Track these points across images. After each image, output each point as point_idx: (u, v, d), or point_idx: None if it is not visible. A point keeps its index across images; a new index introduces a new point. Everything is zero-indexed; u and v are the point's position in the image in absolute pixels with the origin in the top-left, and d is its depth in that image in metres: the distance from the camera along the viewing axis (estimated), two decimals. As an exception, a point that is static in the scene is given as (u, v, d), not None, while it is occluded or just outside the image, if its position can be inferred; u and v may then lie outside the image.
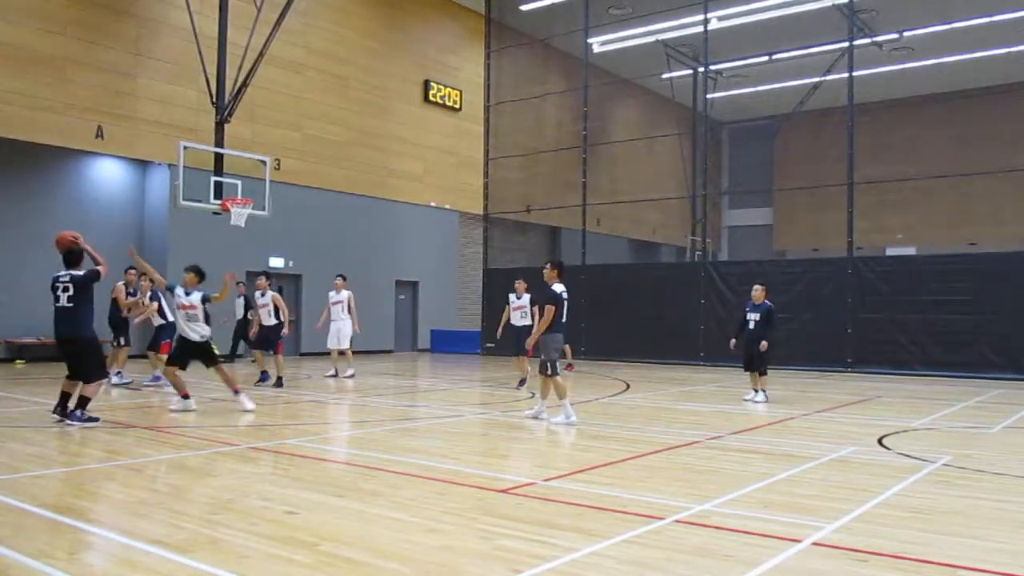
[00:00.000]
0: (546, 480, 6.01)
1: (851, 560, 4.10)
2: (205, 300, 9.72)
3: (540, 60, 25.45)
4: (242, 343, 18.56)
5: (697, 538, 4.50)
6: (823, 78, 23.99)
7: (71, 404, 8.50)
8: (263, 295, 13.45)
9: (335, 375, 15.07)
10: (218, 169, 16.15)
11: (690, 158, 27.25)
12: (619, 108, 28.79)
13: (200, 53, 16.13)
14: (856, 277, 17.98)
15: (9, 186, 17.00)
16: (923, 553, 4.23)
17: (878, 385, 14.86)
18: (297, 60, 20.97)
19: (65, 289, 8.36)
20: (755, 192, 33.85)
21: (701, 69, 23.78)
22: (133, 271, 12.78)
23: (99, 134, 17.19)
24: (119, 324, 12.98)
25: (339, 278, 15.37)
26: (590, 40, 22.95)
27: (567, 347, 14.60)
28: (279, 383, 12.93)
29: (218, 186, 15.96)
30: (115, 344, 13.04)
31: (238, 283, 18.03)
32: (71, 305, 8.35)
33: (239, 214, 15.79)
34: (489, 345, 22.19)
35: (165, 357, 12.24)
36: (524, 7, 23.47)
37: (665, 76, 26.21)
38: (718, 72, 25.16)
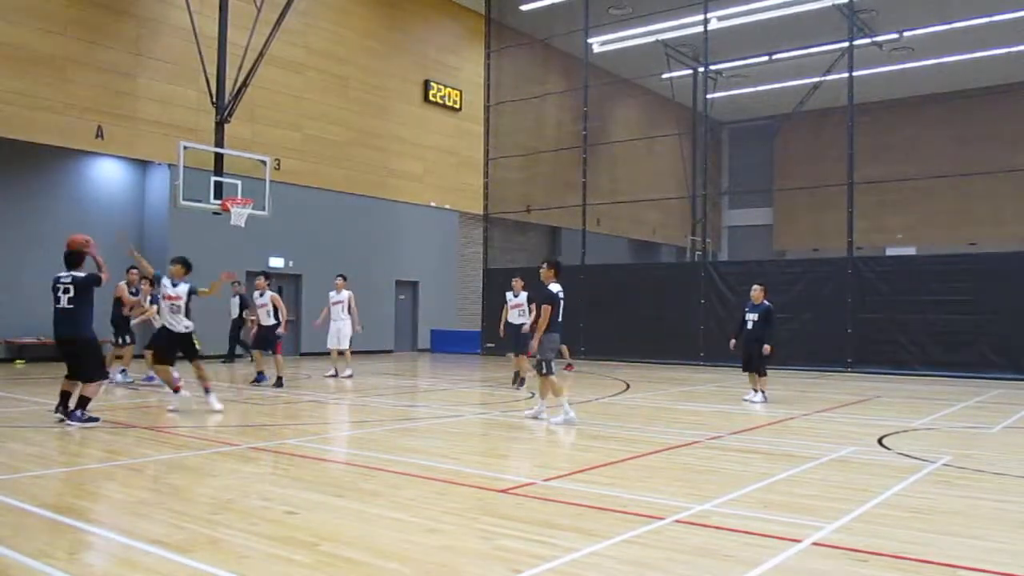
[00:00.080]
0: (546, 480, 6.01)
1: (851, 560, 4.10)
2: (192, 292, 9.72)
3: (540, 60, 25.46)
4: (235, 342, 18.61)
5: (697, 538, 4.50)
6: (823, 78, 23.99)
7: (71, 404, 8.51)
8: (262, 295, 13.44)
9: (335, 375, 15.07)
10: (218, 169, 16.15)
11: (690, 158, 27.26)
12: (619, 108, 28.80)
13: (200, 53, 16.13)
14: (856, 277, 17.98)
15: (9, 186, 17.00)
16: (923, 553, 4.23)
17: (878, 385, 14.86)
18: (297, 60, 20.97)
19: (66, 290, 8.37)
20: (755, 192, 33.84)
21: (701, 69, 23.78)
22: (135, 271, 12.79)
23: (99, 134, 17.19)
24: (121, 323, 12.99)
25: (340, 278, 15.37)
26: (590, 40, 22.95)
27: (563, 347, 14.61)
28: (279, 383, 12.92)
29: (218, 186, 15.96)
30: (117, 343, 13.04)
31: (235, 283, 18.09)
32: (71, 306, 8.36)
33: (239, 214, 15.79)
34: (489, 345, 22.19)
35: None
36: (524, 7, 23.48)
37: (665, 76, 26.21)
38: (718, 72, 25.16)
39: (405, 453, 7.07)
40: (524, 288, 13.30)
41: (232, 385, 13.50)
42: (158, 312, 12.81)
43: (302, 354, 20.85)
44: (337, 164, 22.14)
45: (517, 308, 13.24)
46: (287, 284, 21.13)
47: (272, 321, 13.30)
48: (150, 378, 12.81)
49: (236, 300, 18.20)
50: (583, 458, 7.09)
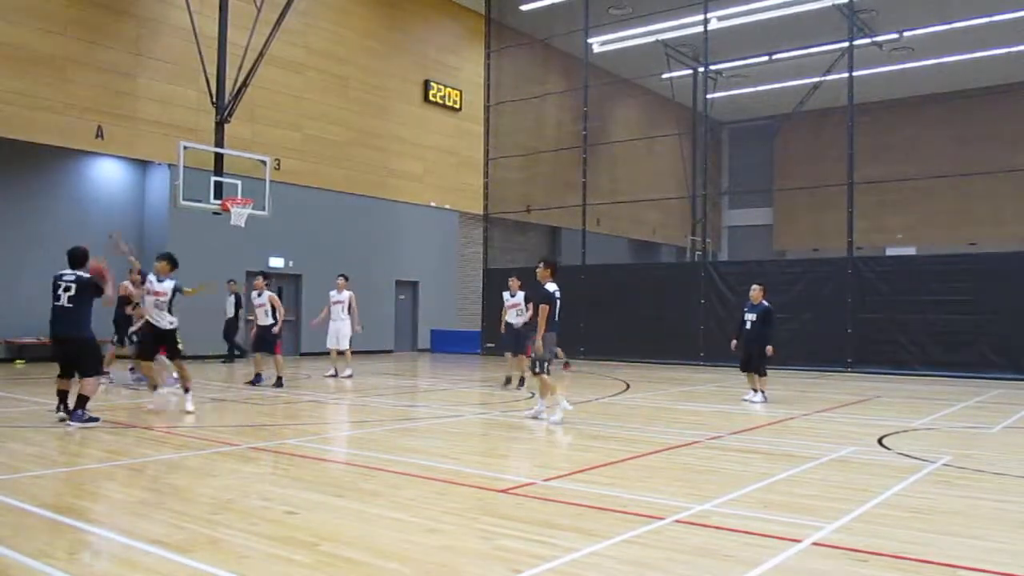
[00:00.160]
0: (546, 480, 6.01)
1: (851, 560, 4.10)
2: (177, 290, 9.72)
3: (540, 60, 25.46)
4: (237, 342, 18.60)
5: (697, 538, 4.50)
6: (823, 78, 23.99)
7: (70, 404, 8.52)
8: (260, 295, 13.41)
9: (334, 375, 15.07)
10: (218, 169, 16.15)
11: (690, 158, 27.26)
12: (619, 108, 28.80)
13: (200, 53, 16.13)
14: (856, 277, 17.98)
15: (9, 186, 17.00)
16: (923, 553, 4.23)
17: (878, 385, 14.86)
18: (297, 60, 20.97)
19: (67, 288, 8.38)
20: (755, 192, 33.85)
21: (701, 69, 23.78)
22: (138, 275, 12.82)
23: (99, 134, 17.19)
24: (123, 323, 12.98)
25: (341, 278, 15.36)
26: (590, 40, 22.95)
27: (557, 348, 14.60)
28: (278, 383, 12.91)
29: (218, 186, 15.96)
30: (117, 343, 13.04)
31: (229, 281, 18.13)
32: (71, 305, 8.36)
33: (239, 214, 15.79)
34: (489, 345, 22.19)
35: (160, 358, 12.36)
36: (524, 7, 23.48)
37: (665, 76, 26.21)
38: (718, 72, 25.16)
39: (405, 453, 7.07)
40: (521, 288, 13.29)
41: (231, 385, 13.50)
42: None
43: (302, 354, 20.85)
44: (337, 164, 22.14)
45: (514, 308, 13.23)
46: (287, 284, 21.13)
47: (269, 321, 13.27)
48: (142, 379, 12.81)
49: (232, 299, 18.21)
50: (583, 458, 7.08)
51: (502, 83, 24.40)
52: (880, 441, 8.03)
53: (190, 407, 9.64)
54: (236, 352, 18.51)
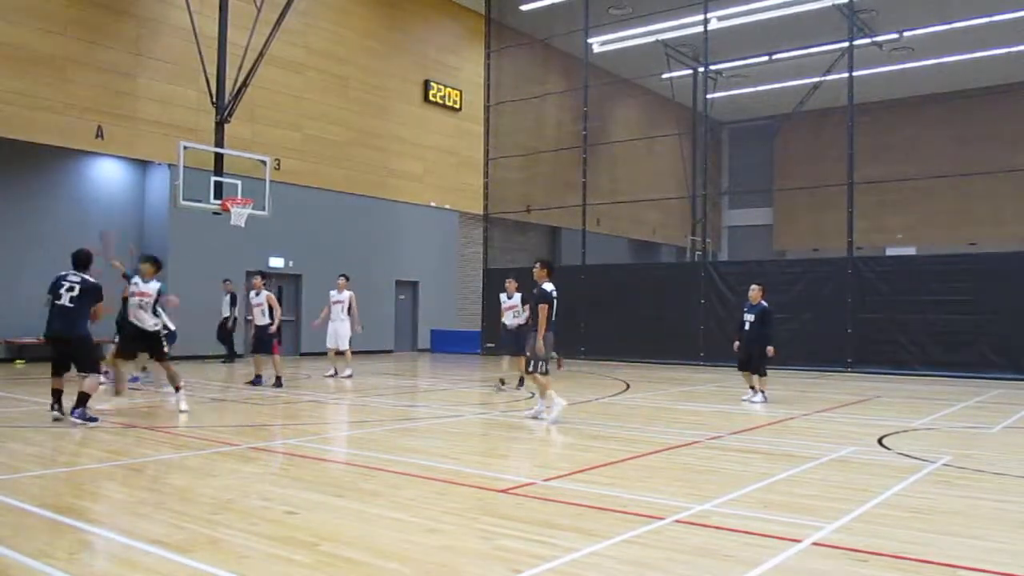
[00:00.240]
0: (546, 480, 6.01)
1: (851, 560, 4.10)
2: (161, 293, 9.70)
3: (540, 60, 25.45)
4: (230, 341, 18.57)
5: (697, 538, 4.50)
6: (823, 78, 23.98)
7: (64, 402, 8.56)
8: (258, 294, 13.39)
9: (334, 375, 15.08)
10: (218, 169, 16.14)
11: (690, 158, 27.26)
12: (619, 108, 28.80)
13: (200, 53, 16.12)
14: (856, 277, 17.98)
15: (9, 186, 17.00)
16: (923, 553, 4.23)
17: (878, 385, 14.86)
18: (297, 60, 20.97)
19: (70, 289, 8.47)
20: (755, 192, 33.84)
21: (701, 69, 23.78)
22: (124, 277, 12.79)
23: (99, 134, 17.19)
24: (126, 324, 12.96)
25: (342, 278, 15.36)
26: (590, 40, 22.95)
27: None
28: (278, 383, 12.91)
29: (218, 186, 15.95)
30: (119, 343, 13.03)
31: (225, 281, 18.14)
32: (72, 306, 8.44)
33: (239, 214, 15.78)
34: (489, 345, 22.18)
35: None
36: (524, 7, 23.47)
37: (665, 76, 26.21)
38: (718, 72, 25.16)
39: (405, 453, 7.07)
40: (518, 290, 13.27)
41: (231, 385, 13.50)
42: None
43: (302, 354, 20.85)
44: (337, 164, 22.13)
45: (511, 310, 13.20)
46: (287, 284, 21.14)
47: (266, 321, 13.25)
48: (135, 379, 12.83)
49: (227, 299, 18.21)
50: (583, 458, 7.08)
51: (502, 83, 24.40)
52: (880, 441, 8.04)
53: (184, 406, 9.65)
54: (230, 352, 18.49)
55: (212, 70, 16.43)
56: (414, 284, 24.74)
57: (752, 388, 11.75)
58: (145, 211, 19.31)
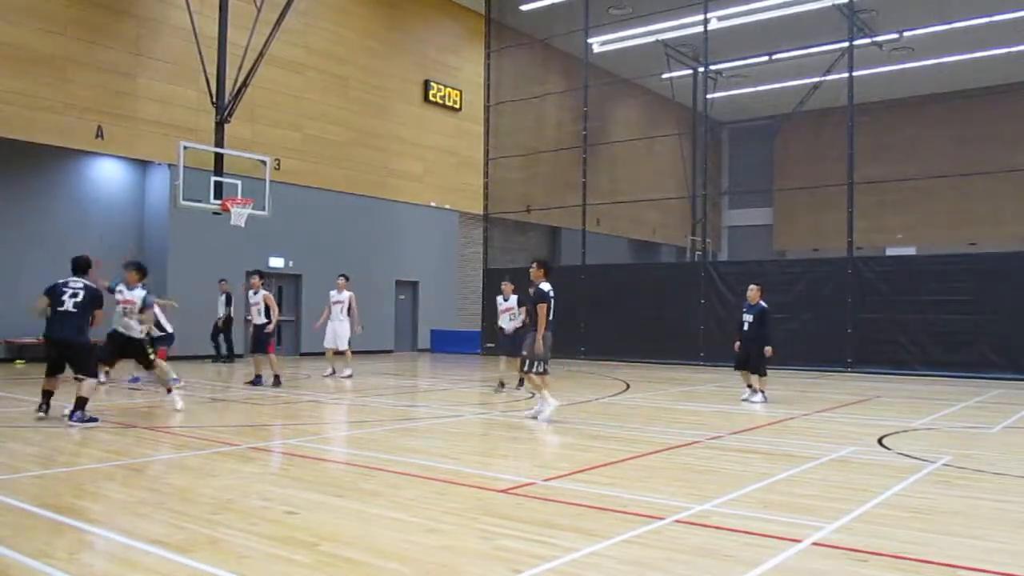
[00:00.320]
0: (546, 480, 6.01)
1: (851, 560, 4.10)
2: (146, 301, 9.51)
3: (540, 60, 25.45)
4: (229, 341, 18.57)
5: (697, 538, 4.50)
6: (823, 78, 23.98)
7: (53, 403, 8.59)
8: (255, 293, 13.39)
9: (332, 374, 15.09)
10: (218, 169, 16.15)
11: (690, 158, 27.26)
12: (619, 108, 28.79)
13: (200, 53, 16.12)
14: (856, 277, 17.98)
15: (9, 186, 17.00)
16: (923, 553, 4.23)
17: (878, 385, 14.86)
18: (297, 60, 20.97)
19: (74, 295, 8.56)
20: (755, 192, 33.84)
21: (701, 69, 23.78)
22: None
23: (99, 134, 17.19)
24: None
25: (341, 278, 15.36)
26: (590, 40, 22.95)
27: None
28: (276, 382, 12.92)
29: (218, 186, 15.95)
30: None
31: (221, 281, 18.15)
32: (76, 311, 8.55)
33: (239, 214, 15.79)
34: (489, 345, 22.17)
35: (160, 362, 12.36)
36: (524, 7, 23.47)
37: (665, 76, 26.21)
38: (718, 72, 25.15)
39: (405, 453, 7.07)
40: (514, 291, 13.26)
41: (231, 385, 13.50)
42: (155, 323, 12.76)
43: (302, 354, 20.85)
44: (337, 164, 22.13)
45: (507, 312, 13.19)
46: (287, 284, 21.15)
47: (263, 320, 13.24)
48: (135, 379, 12.83)
49: (223, 299, 18.22)
50: (583, 458, 7.08)
51: (502, 83, 24.40)
52: (880, 441, 8.03)
53: (179, 406, 9.68)
54: (229, 352, 18.49)
55: (212, 70, 16.43)
56: (414, 284, 24.75)
57: (750, 387, 11.77)
58: (145, 211, 19.31)
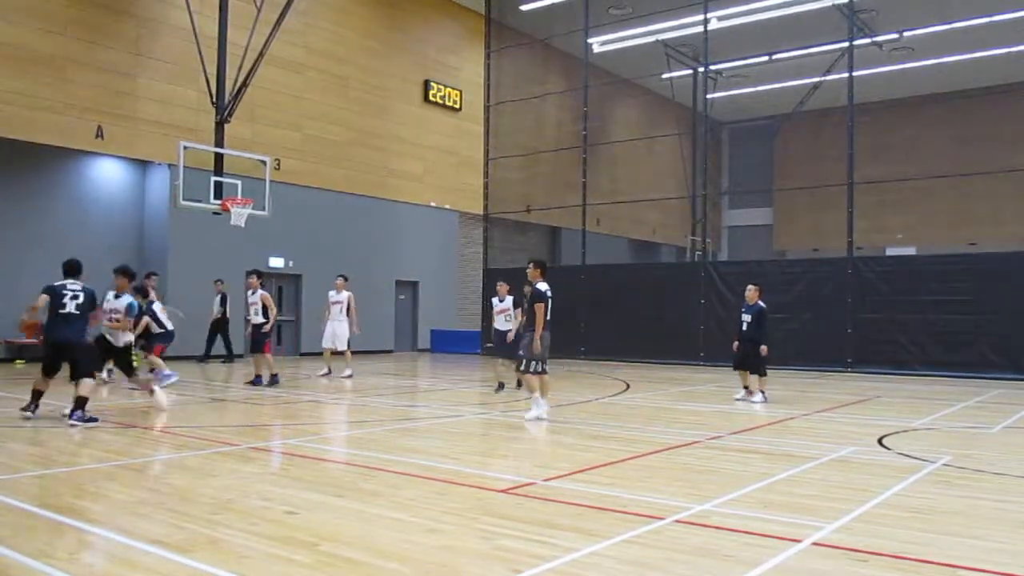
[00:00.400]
0: (546, 480, 6.01)
1: (851, 560, 4.10)
2: (130, 307, 9.47)
3: (540, 60, 25.45)
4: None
5: (697, 538, 4.50)
6: (823, 78, 23.98)
7: (52, 402, 8.62)
8: (253, 293, 13.40)
9: (328, 373, 15.09)
10: (218, 169, 16.15)
11: (690, 158, 27.26)
12: (619, 108, 28.79)
13: (200, 53, 16.12)
14: (856, 277, 17.98)
15: (9, 186, 16.99)
16: (923, 553, 4.23)
17: (878, 385, 14.86)
18: (297, 60, 20.97)
19: (75, 297, 8.65)
20: (755, 192, 33.84)
21: (701, 69, 23.78)
22: (155, 276, 12.97)
23: (99, 134, 17.19)
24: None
25: (340, 278, 15.36)
26: (590, 40, 22.94)
27: None
28: (273, 381, 12.93)
29: (218, 186, 15.95)
30: None
31: (216, 281, 18.15)
32: (78, 313, 8.65)
33: (239, 214, 15.79)
34: (489, 345, 22.15)
35: (154, 358, 12.51)
36: (524, 7, 23.47)
37: (665, 76, 26.20)
38: (718, 72, 25.15)
39: (405, 453, 7.07)
40: (509, 292, 13.25)
41: (231, 385, 13.50)
42: (155, 320, 12.77)
43: (302, 354, 20.84)
44: (337, 164, 22.13)
45: (503, 313, 13.18)
46: (287, 284, 21.14)
47: (260, 319, 13.25)
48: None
49: (218, 299, 18.21)
50: (583, 458, 7.08)
51: (502, 83, 24.39)
52: (880, 441, 8.04)
53: (164, 405, 9.69)
54: (229, 352, 18.47)
55: (212, 70, 16.43)
56: (414, 284, 24.74)
57: (745, 388, 11.79)
58: (145, 211, 19.30)
